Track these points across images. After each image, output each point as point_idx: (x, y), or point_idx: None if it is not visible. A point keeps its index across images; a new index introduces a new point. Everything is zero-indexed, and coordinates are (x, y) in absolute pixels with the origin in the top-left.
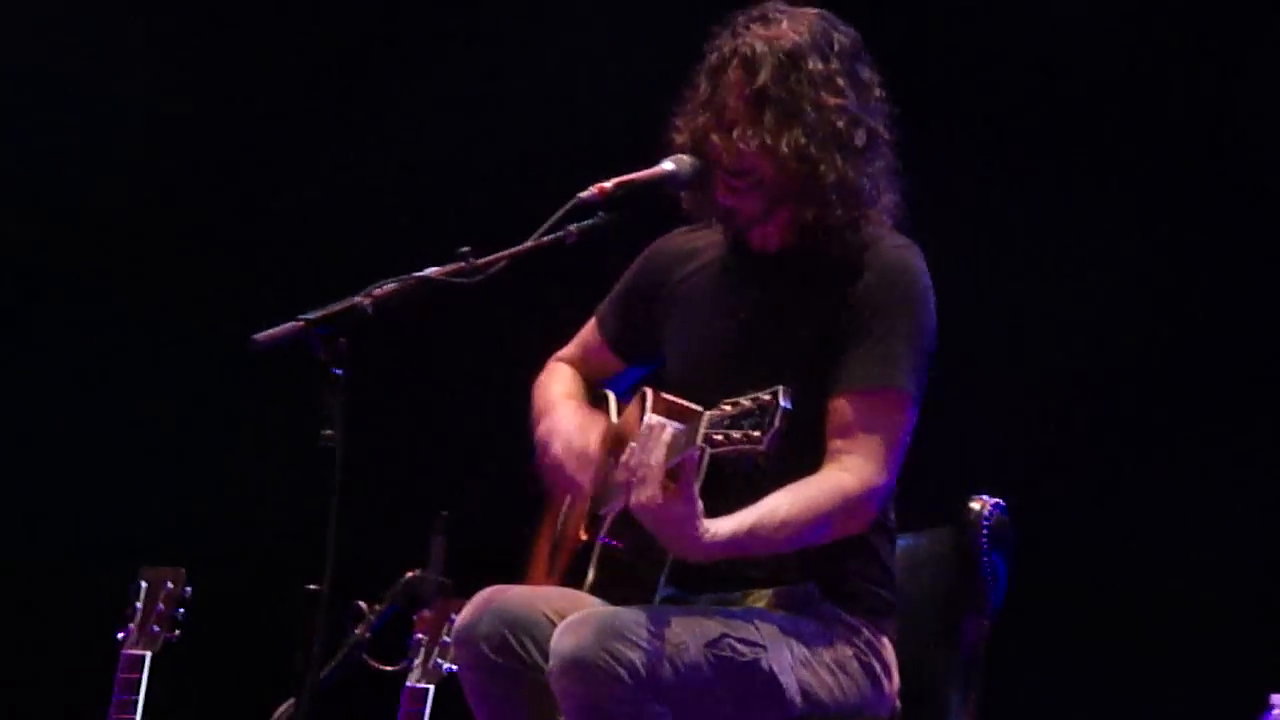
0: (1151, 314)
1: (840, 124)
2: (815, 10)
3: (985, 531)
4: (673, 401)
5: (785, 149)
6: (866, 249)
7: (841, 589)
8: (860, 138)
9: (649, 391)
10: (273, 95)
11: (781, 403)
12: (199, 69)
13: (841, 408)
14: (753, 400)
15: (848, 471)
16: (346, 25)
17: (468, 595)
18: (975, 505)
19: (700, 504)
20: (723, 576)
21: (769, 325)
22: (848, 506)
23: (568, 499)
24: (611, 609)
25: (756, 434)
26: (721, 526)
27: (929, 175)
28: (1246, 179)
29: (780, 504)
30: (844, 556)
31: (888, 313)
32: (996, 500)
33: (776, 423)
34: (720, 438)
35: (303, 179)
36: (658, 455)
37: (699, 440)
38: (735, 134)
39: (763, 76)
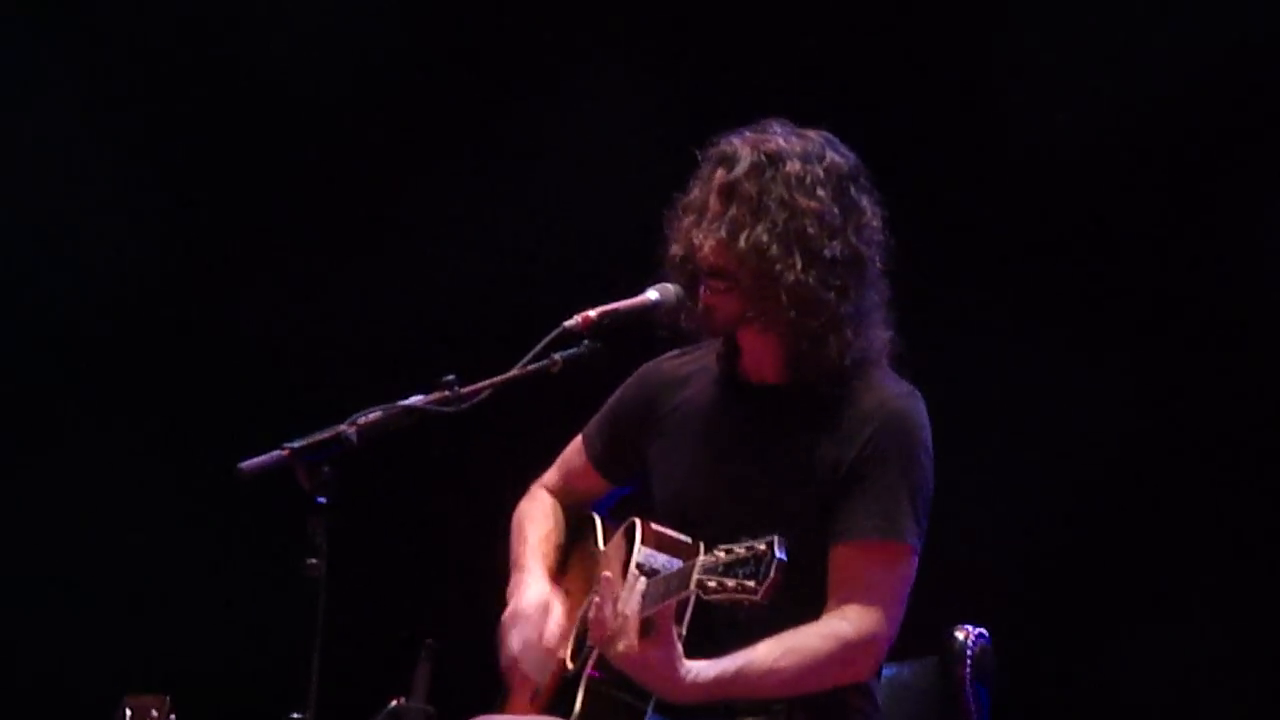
0: (1134, 446)
1: (810, 230)
2: (818, 131)
3: (969, 662)
4: (662, 533)
5: (743, 244)
6: (866, 391)
7: (826, 717)
8: (832, 250)
9: (638, 522)
10: (258, 221)
11: (777, 554)
12: (185, 191)
13: (844, 559)
14: (748, 549)
15: (848, 622)
16: (328, 147)
17: None
18: (959, 635)
19: (679, 648)
20: (709, 708)
21: (770, 470)
22: (846, 656)
23: (561, 594)
24: None
25: (751, 584)
26: (706, 670)
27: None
28: (1233, 302)
29: (771, 651)
30: (830, 688)
31: (891, 463)
32: (980, 630)
33: (772, 574)
34: (714, 584)
35: (288, 305)
36: (633, 605)
37: (692, 586)
38: (703, 227)
39: (736, 171)
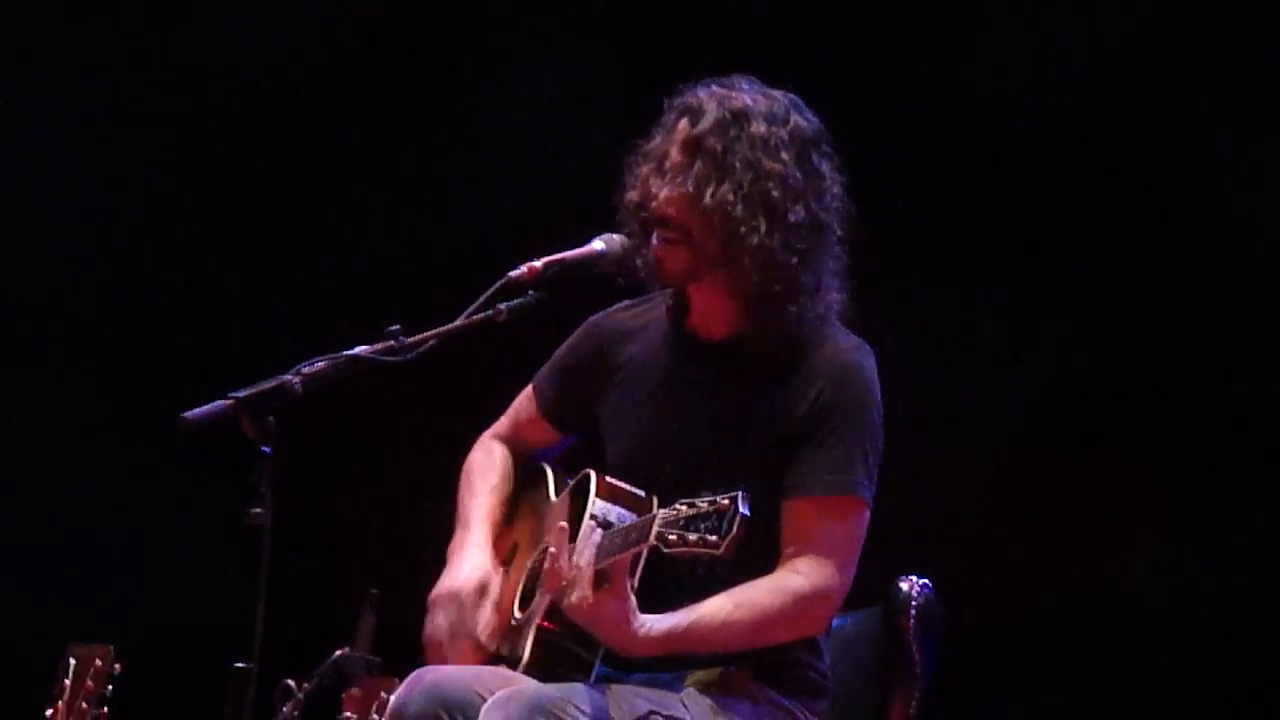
0: (1080, 398)
1: (775, 192)
2: (784, 92)
3: (914, 612)
4: (616, 486)
5: (709, 200)
6: (818, 348)
7: (774, 670)
8: (796, 214)
9: (593, 473)
10: (198, 171)
11: (741, 508)
12: (126, 147)
13: (796, 513)
14: (710, 503)
15: (800, 575)
16: (272, 98)
17: (397, 673)
18: (904, 586)
19: (633, 601)
20: (657, 661)
21: (723, 425)
22: (799, 609)
23: (501, 572)
24: (539, 685)
25: (714, 539)
26: (659, 624)
27: (857, 256)
28: (1181, 263)
29: (723, 605)
30: (782, 641)
31: (842, 417)
32: (924, 580)
33: (735, 529)
34: (674, 537)
35: (233, 256)
36: (587, 557)
37: (652, 538)
38: (665, 178)
39: (702, 125)
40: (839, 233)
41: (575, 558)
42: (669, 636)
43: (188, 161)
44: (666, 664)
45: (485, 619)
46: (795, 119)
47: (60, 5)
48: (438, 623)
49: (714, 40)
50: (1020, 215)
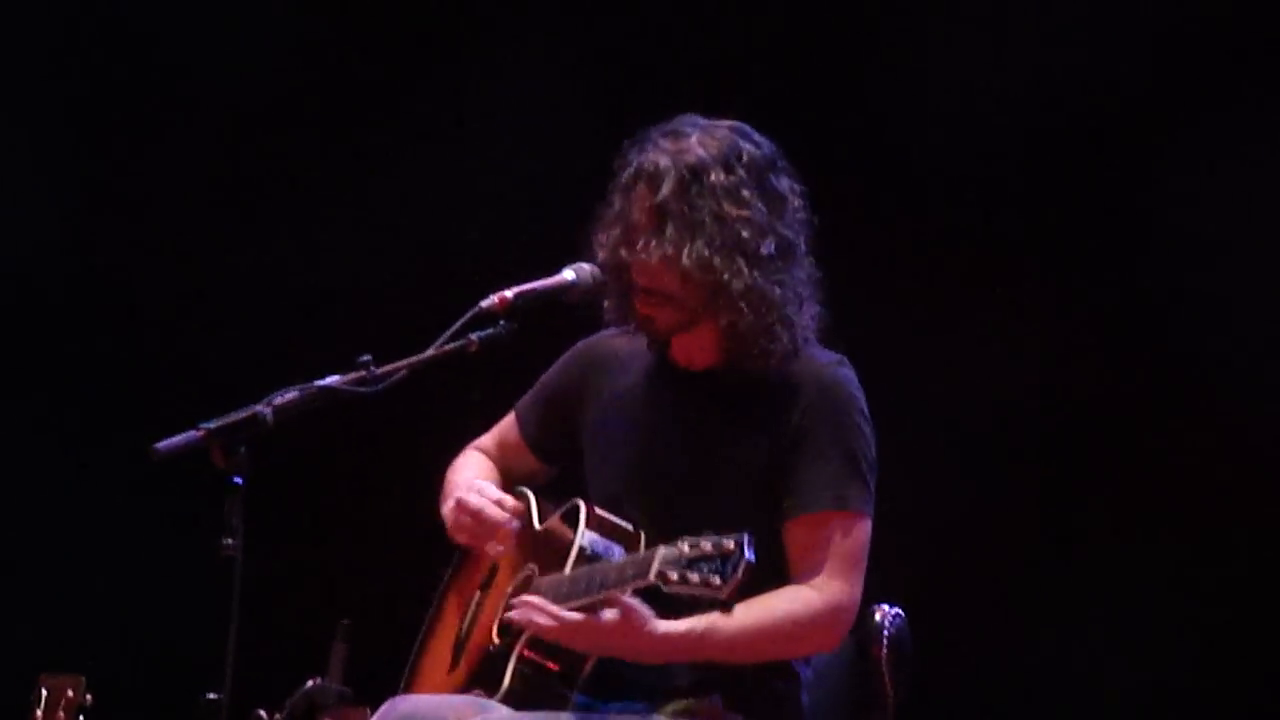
0: (1050, 422)
1: (745, 234)
2: (730, 124)
3: (886, 642)
4: (605, 519)
5: (687, 261)
6: (798, 367)
7: (748, 701)
8: (768, 247)
9: (582, 505)
10: (171, 199)
11: (746, 554)
12: (94, 168)
13: (799, 533)
14: (714, 546)
15: (815, 590)
16: (241, 122)
17: (369, 704)
18: (876, 615)
19: (636, 601)
20: (633, 684)
21: (705, 455)
22: (814, 624)
23: (477, 595)
24: (510, 713)
25: (718, 581)
26: (674, 627)
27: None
28: (1154, 290)
29: (739, 615)
30: (751, 668)
31: (832, 434)
32: (896, 610)
33: (739, 574)
34: (675, 577)
35: (202, 285)
36: (576, 599)
37: (652, 577)
38: (638, 247)
39: (664, 191)
40: (805, 246)
41: (551, 591)
42: (687, 638)
43: (159, 186)
44: (640, 694)
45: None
46: (747, 150)
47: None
48: (469, 501)
49: (688, 56)
50: (998, 229)
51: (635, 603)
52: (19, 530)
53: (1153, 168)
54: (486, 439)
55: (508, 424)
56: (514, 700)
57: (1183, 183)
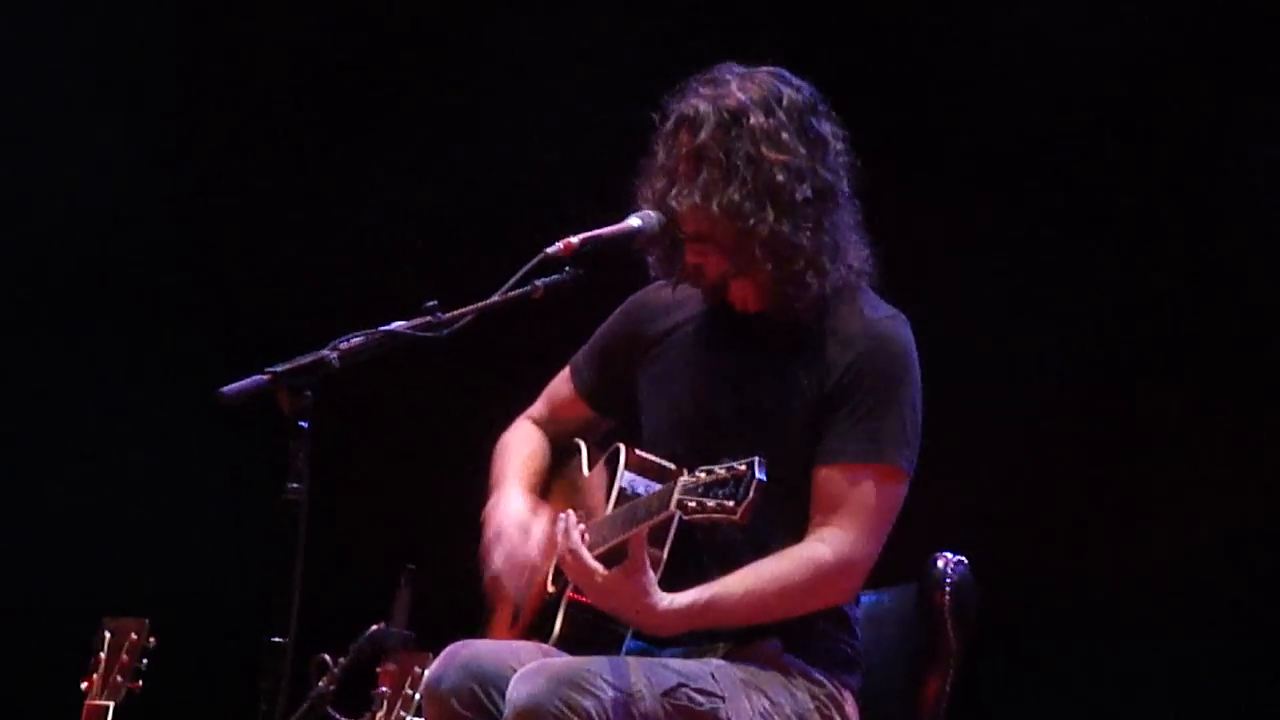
0: (1114, 371)
1: (780, 178)
2: (768, 69)
3: (948, 589)
4: (646, 459)
5: (716, 207)
6: (852, 318)
7: (805, 642)
8: (804, 191)
9: (622, 446)
10: (240, 147)
11: (757, 474)
12: (162, 117)
13: (826, 480)
14: (728, 469)
15: (825, 543)
16: (310, 80)
17: (432, 649)
18: (939, 563)
19: (652, 575)
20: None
21: (756, 392)
22: (822, 580)
23: (514, 590)
24: (568, 658)
25: (731, 504)
26: (680, 598)
27: (888, 231)
28: (1216, 242)
29: (745, 578)
30: (808, 612)
31: (877, 386)
32: (960, 558)
33: (751, 494)
34: (694, 504)
35: (270, 232)
36: (574, 538)
37: (672, 506)
38: (674, 193)
39: (703, 135)
40: (849, 187)
41: (578, 539)
42: (691, 610)
43: (229, 137)
44: (697, 637)
45: (534, 546)
46: (787, 94)
47: None
48: (493, 562)
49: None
50: (1049, 189)
51: (641, 568)
52: (86, 473)
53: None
54: (538, 406)
55: (561, 379)
56: (568, 645)
57: (1243, 142)
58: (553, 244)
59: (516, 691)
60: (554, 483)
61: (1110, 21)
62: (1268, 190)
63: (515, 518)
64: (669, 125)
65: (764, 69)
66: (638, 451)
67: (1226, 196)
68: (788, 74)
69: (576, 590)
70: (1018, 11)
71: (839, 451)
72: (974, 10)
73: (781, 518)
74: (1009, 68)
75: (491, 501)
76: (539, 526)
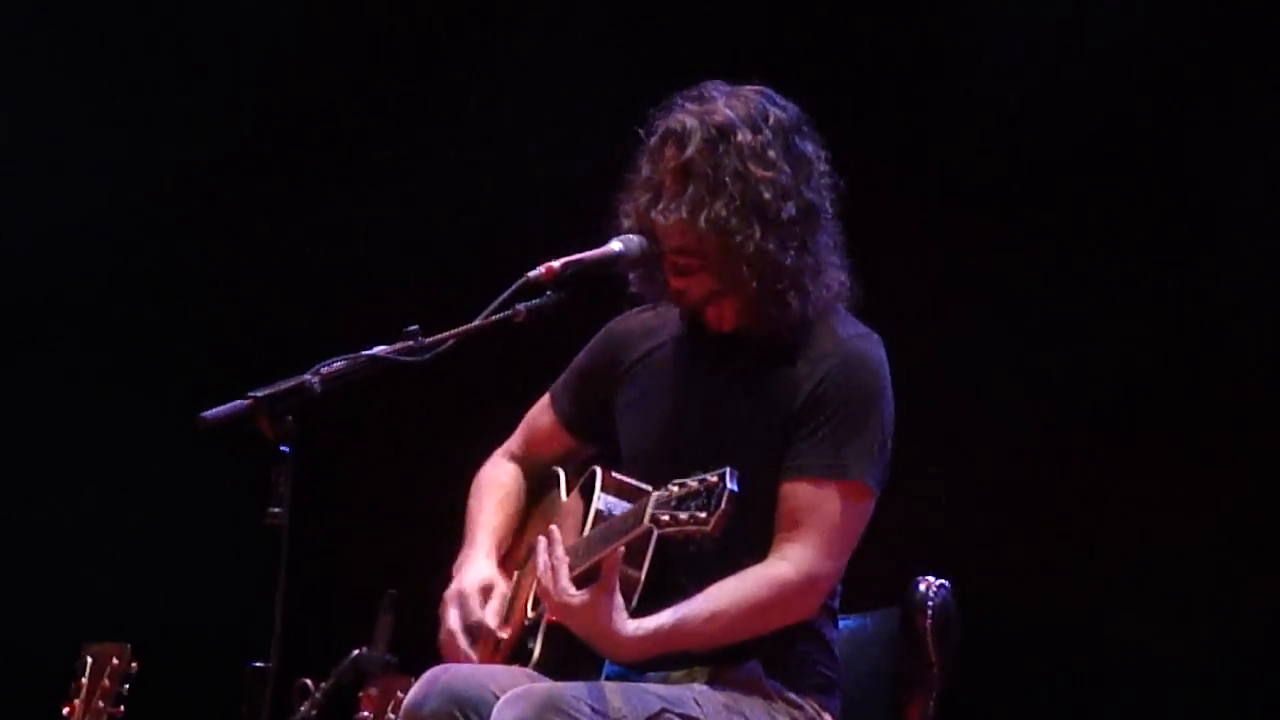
0: (1098, 393)
1: (767, 196)
2: (755, 87)
3: (931, 613)
4: (622, 480)
5: (704, 222)
6: (825, 336)
7: (785, 666)
8: (788, 211)
9: (598, 469)
10: (219, 171)
11: (728, 485)
12: (147, 139)
13: (790, 495)
14: (699, 482)
15: (787, 560)
16: (289, 95)
17: (414, 673)
18: (921, 586)
19: (619, 600)
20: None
21: (728, 409)
22: (785, 597)
23: (515, 576)
24: (552, 683)
25: (703, 515)
26: (644, 624)
27: (869, 250)
28: (1201, 257)
29: (709, 599)
30: (787, 634)
31: (845, 404)
32: (942, 581)
33: (723, 504)
34: (666, 518)
35: (252, 256)
36: (559, 553)
37: (646, 521)
38: (659, 207)
39: (690, 150)
40: (831, 209)
41: (562, 554)
42: (656, 635)
43: (207, 160)
44: (678, 661)
45: (493, 610)
46: (773, 113)
47: None
48: (449, 624)
49: (719, 37)
50: (1038, 209)
51: (611, 590)
52: (66, 498)
53: (1203, 139)
54: (515, 439)
55: (540, 408)
56: (547, 668)
57: (1233, 158)
58: (534, 268)
59: (501, 716)
60: (533, 510)
61: (1100, 34)
62: (1257, 201)
63: (476, 579)
64: (654, 140)
65: (750, 87)
66: (613, 474)
67: (1215, 207)
68: (774, 93)
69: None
70: (1005, 24)
71: (804, 467)
72: (960, 23)
73: (757, 535)
74: (992, 82)
75: (459, 559)
76: (499, 588)
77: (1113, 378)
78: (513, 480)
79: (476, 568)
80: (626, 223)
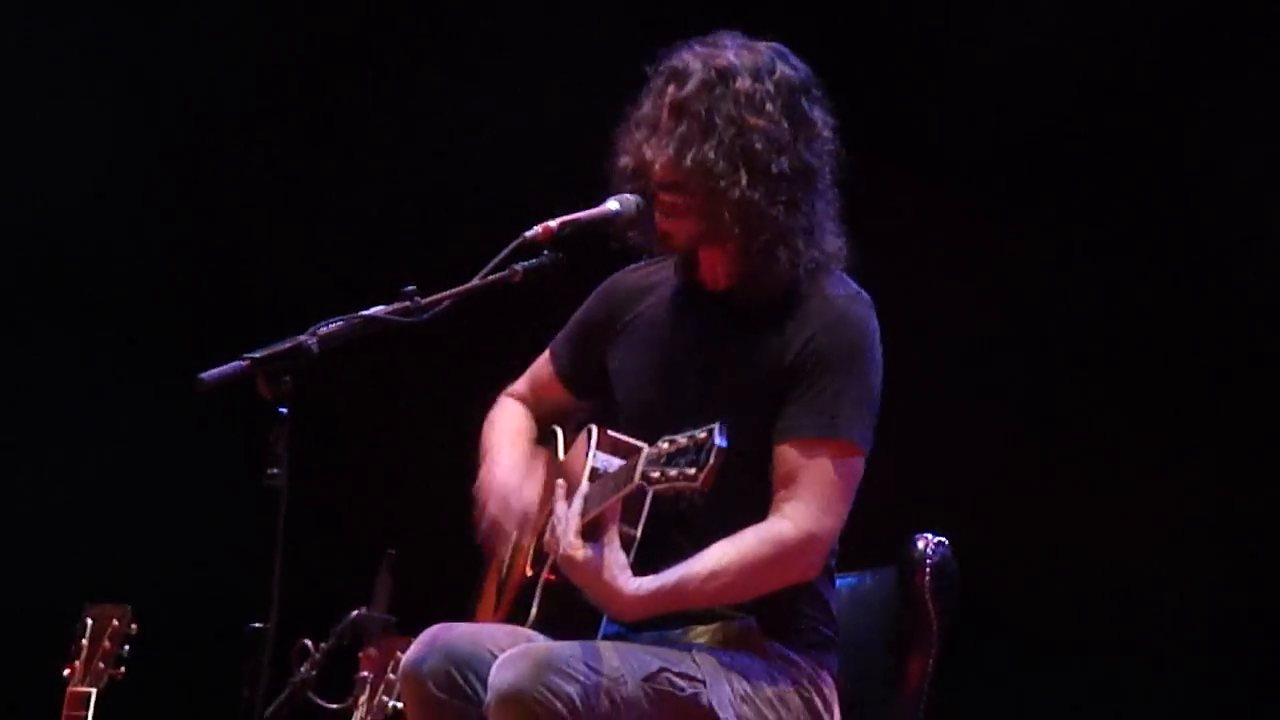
0: (1095, 351)
1: (758, 145)
2: (770, 44)
3: (929, 570)
4: (617, 439)
5: (689, 161)
6: (813, 295)
7: (782, 625)
8: (780, 165)
9: (594, 428)
10: (217, 132)
11: (717, 440)
12: (143, 102)
13: (785, 457)
14: (689, 438)
15: (787, 519)
16: (286, 55)
17: (413, 633)
18: (919, 544)
19: (622, 556)
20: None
21: (720, 366)
22: (785, 555)
23: (515, 535)
24: (550, 643)
25: (692, 471)
26: (647, 584)
27: (868, 213)
28: (1196, 226)
29: (709, 558)
30: (784, 593)
31: (833, 363)
32: (940, 539)
33: (712, 460)
34: (657, 474)
35: (248, 218)
36: (576, 506)
37: (636, 478)
38: (651, 142)
39: (688, 89)
40: (830, 176)
41: (569, 509)
42: (657, 594)
43: (202, 121)
44: (675, 621)
45: (530, 493)
46: (781, 69)
47: None
48: (490, 509)
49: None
50: (1035, 176)
51: (614, 546)
52: (66, 461)
53: (1200, 122)
54: (520, 383)
55: (541, 362)
56: (544, 627)
57: (1231, 142)
58: (531, 228)
59: (499, 676)
60: (534, 466)
61: (1093, 24)
62: (1247, 187)
63: (509, 471)
64: (657, 77)
65: (766, 43)
66: (609, 432)
67: (1206, 192)
68: (789, 52)
69: (553, 570)
70: (1001, 11)
71: (795, 428)
72: (959, 10)
73: (750, 491)
74: (989, 66)
75: (485, 467)
76: (532, 480)
77: (1114, 335)
78: (524, 419)
79: (505, 463)
80: (623, 158)
